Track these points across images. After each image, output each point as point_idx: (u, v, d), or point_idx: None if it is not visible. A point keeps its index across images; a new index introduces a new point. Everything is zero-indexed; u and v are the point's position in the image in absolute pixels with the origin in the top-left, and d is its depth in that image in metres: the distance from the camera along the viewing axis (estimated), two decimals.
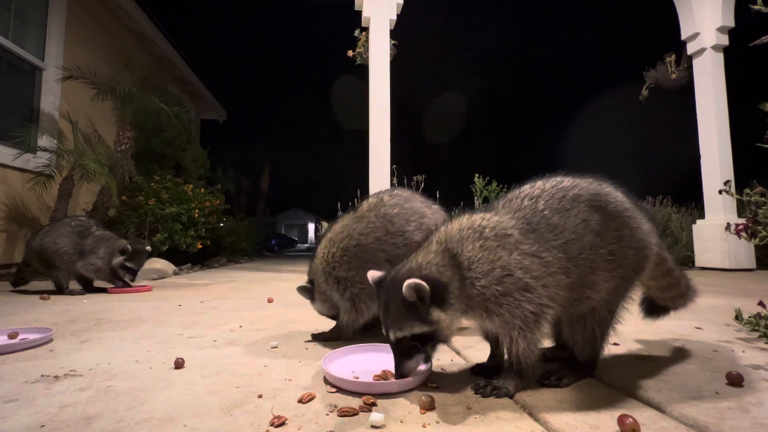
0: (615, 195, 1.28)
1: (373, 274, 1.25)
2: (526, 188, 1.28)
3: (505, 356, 1.22)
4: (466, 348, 1.65)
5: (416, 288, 1.07)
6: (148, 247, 3.85)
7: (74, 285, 3.62)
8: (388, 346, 1.55)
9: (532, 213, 1.20)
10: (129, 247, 3.51)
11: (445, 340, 1.19)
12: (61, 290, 3.46)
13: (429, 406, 1.05)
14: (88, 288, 3.63)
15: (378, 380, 1.24)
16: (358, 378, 1.25)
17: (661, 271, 1.43)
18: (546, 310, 1.13)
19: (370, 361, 1.43)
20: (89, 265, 3.47)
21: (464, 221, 1.21)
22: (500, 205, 1.26)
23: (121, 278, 3.57)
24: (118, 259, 3.50)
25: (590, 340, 1.25)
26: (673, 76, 6.59)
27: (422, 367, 1.29)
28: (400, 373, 1.16)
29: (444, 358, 1.52)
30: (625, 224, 1.23)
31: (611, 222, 1.21)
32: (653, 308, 1.60)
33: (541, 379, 1.22)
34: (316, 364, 1.45)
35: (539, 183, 1.28)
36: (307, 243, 41.54)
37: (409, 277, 1.10)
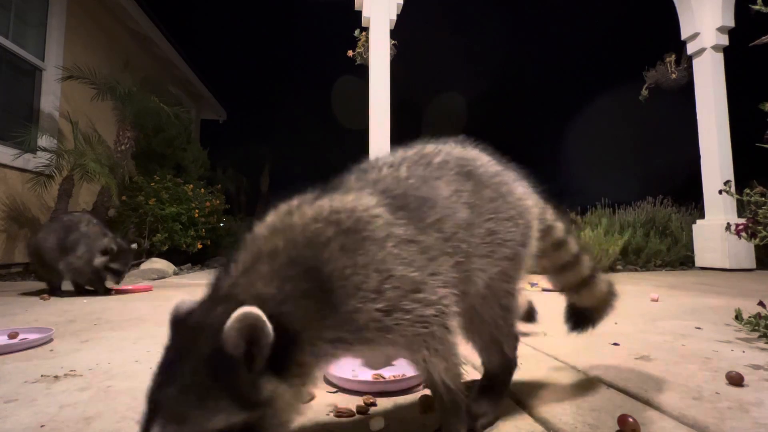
0: (482, 158, 1.07)
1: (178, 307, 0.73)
2: (384, 157, 1.01)
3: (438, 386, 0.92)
4: (466, 349, 1.65)
5: (252, 328, 0.62)
6: (134, 245, 3.55)
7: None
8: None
9: (396, 183, 0.92)
10: (113, 246, 3.14)
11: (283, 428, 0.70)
12: (52, 290, 3.30)
13: (429, 407, 1.05)
14: (79, 290, 3.33)
15: (377, 379, 1.25)
16: (357, 376, 1.26)
17: (552, 243, 1.19)
18: (447, 302, 0.86)
19: (369, 361, 1.43)
20: (68, 264, 3.15)
21: (306, 212, 0.81)
22: (352, 180, 0.94)
23: (103, 282, 3.22)
24: (100, 260, 3.12)
25: (494, 338, 1.02)
26: (673, 76, 6.58)
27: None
28: None
29: None
30: (498, 192, 1.02)
31: (484, 191, 0.99)
32: (573, 315, 1.31)
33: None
34: None
35: (399, 151, 1.03)
36: None
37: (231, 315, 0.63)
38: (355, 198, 0.85)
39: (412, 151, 1.01)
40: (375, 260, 0.79)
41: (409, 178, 0.93)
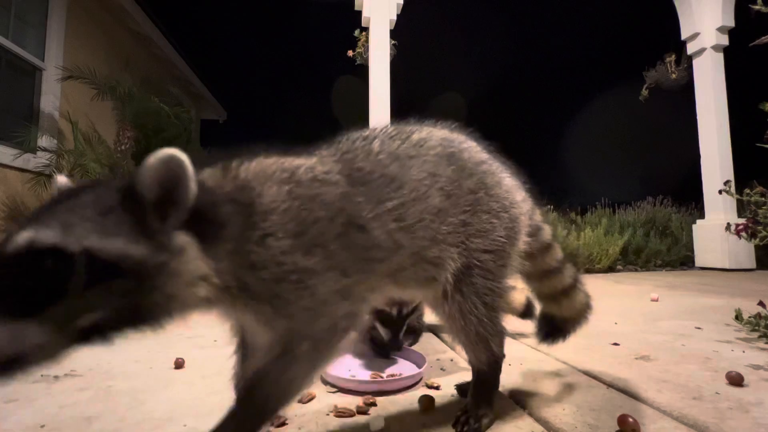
0: (468, 143, 1.01)
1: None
2: (365, 130, 0.96)
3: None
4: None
5: (175, 165, 0.58)
6: None
7: None
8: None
9: (365, 156, 0.86)
10: None
11: (167, 307, 0.63)
12: None
13: (429, 407, 1.05)
14: None
15: (375, 378, 1.25)
16: (355, 377, 1.26)
17: (538, 246, 1.12)
18: (356, 316, 0.79)
19: (368, 359, 1.44)
20: None
21: (272, 159, 0.80)
22: (323, 148, 0.90)
23: None
24: None
25: (480, 336, 0.96)
26: (673, 76, 6.59)
27: (418, 369, 1.29)
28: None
29: (444, 358, 1.52)
30: (481, 182, 0.95)
31: (465, 180, 0.93)
32: (546, 326, 1.24)
33: (458, 427, 0.93)
34: None
35: (381, 126, 0.98)
36: None
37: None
38: (319, 161, 0.83)
39: (392, 127, 0.96)
40: (320, 221, 0.74)
41: (380, 153, 0.87)
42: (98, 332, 0.57)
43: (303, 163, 0.80)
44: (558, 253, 1.16)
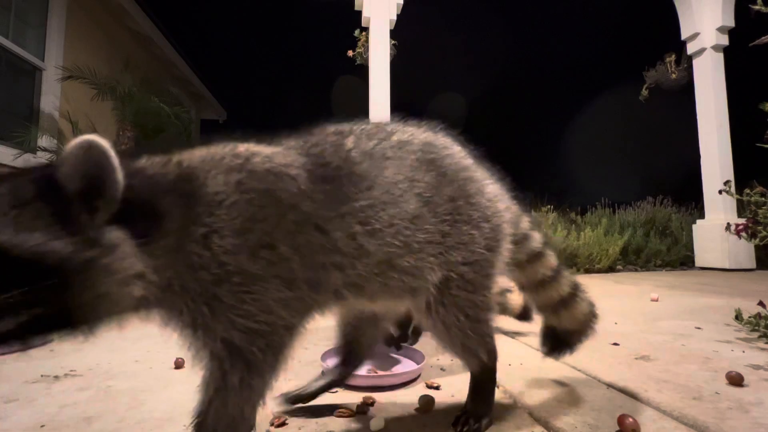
0: (452, 148, 0.95)
1: None
2: (343, 124, 0.89)
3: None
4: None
5: (97, 153, 0.54)
6: None
7: None
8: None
9: (334, 151, 0.80)
10: None
11: (97, 308, 0.58)
12: None
13: (429, 406, 1.05)
14: None
15: (372, 373, 1.26)
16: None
17: (527, 255, 1.07)
18: (297, 332, 0.73)
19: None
20: None
21: (225, 145, 0.75)
22: (290, 139, 0.84)
23: None
24: None
25: (466, 347, 0.94)
26: (673, 76, 6.59)
27: (418, 364, 1.30)
28: None
29: (444, 358, 1.52)
30: (463, 190, 0.91)
31: (445, 187, 0.88)
32: (550, 338, 1.19)
33: (458, 427, 0.92)
34: (316, 364, 1.45)
35: (361, 122, 0.91)
36: None
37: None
38: (278, 151, 0.75)
39: (372, 124, 0.90)
40: (256, 219, 0.67)
41: (353, 150, 0.81)
42: (18, 337, 0.52)
43: (260, 152, 0.73)
44: (551, 261, 1.10)
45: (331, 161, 0.78)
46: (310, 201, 0.72)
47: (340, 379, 1.12)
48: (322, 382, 1.09)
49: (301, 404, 1.05)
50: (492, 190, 0.98)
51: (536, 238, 1.08)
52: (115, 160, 0.54)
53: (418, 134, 0.92)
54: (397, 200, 0.81)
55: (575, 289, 1.12)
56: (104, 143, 0.54)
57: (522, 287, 1.16)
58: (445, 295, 0.89)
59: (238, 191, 0.67)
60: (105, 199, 0.55)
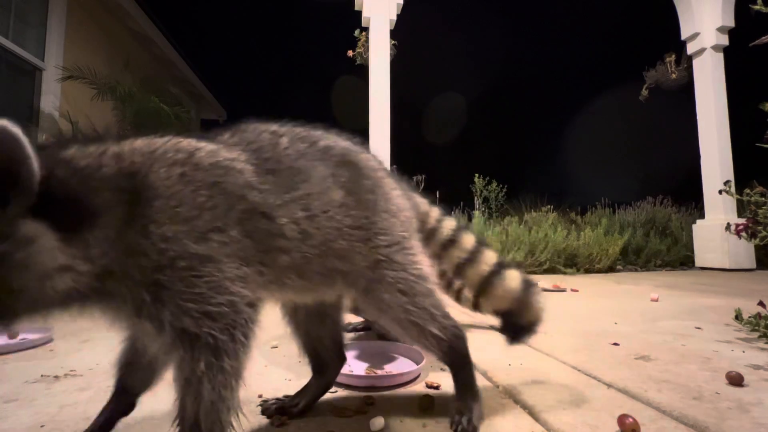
0: (367, 153, 1.07)
1: None
2: (267, 124, 0.96)
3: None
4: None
5: (7, 140, 0.53)
6: None
7: None
8: (382, 343, 1.59)
9: (272, 148, 0.87)
10: None
11: (13, 304, 0.57)
12: None
13: (429, 406, 1.05)
14: None
15: (369, 374, 1.26)
16: (352, 372, 1.29)
17: (440, 243, 1.14)
18: (259, 304, 0.76)
19: (366, 358, 1.46)
20: None
21: (165, 139, 0.77)
22: (225, 135, 0.88)
23: None
24: None
25: (417, 326, 0.96)
26: (673, 76, 6.59)
27: (418, 364, 1.30)
28: None
29: None
30: (378, 185, 1.01)
31: (365, 181, 0.98)
32: (503, 326, 1.17)
33: (454, 427, 0.94)
34: None
35: (285, 125, 0.98)
36: None
37: None
38: (221, 147, 0.80)
39: (299, 129, 0.98)
40: (216, 209, 0.70)
41: (288, 149, 0.89)
42: None
43: (204, 147, 0.77)
44: (467, 242, 1.14)
45: (271, 156, 0.85)
46: (257, 191, 0.79)
47: (325, 388, 1.12)
48: (308, 399, 1.07)
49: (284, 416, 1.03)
50: (399, 186, 1.09)
51: (447, 225, 1.15)
52: (29, 148, 0.52)
53: (340, 141, 1.02)
54: (327, 191, 0.90)
55: (500, 266, 1.13)
56: (15, 130, 0.52)
57: (448, 283, 1.22)
58: (378, 275, 0.96)
59: (181, 182, 0.69)
60: (18, 190, 0.53)
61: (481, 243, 1.16)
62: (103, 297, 0.66)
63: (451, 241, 1.14)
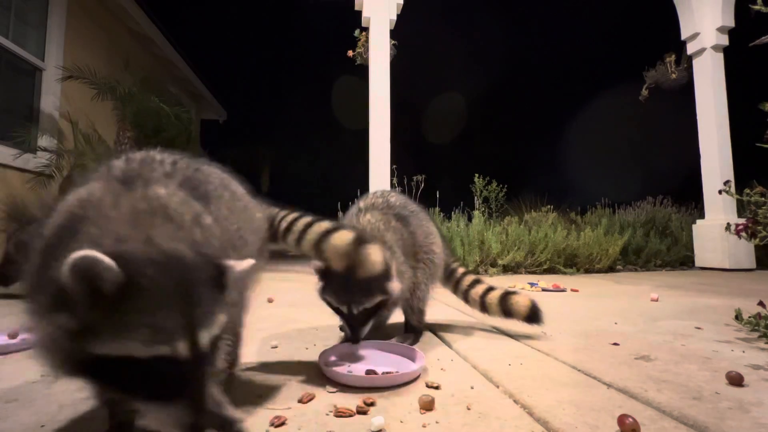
0: (222, 174, 1.17)
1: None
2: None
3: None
4: (466, 349, 1.65)
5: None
6: None
7: None
8: (381, 342, 1.60)
9: (201, 181, 1.04)
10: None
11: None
12: None
13: (429, 406, 1.05)
14: None
15: (370, 374, 1.26)
16: (351, 372, 1.29)
17: (281, 231, 1.40)
18: None
19: (365, 357, 1.47)
20: None
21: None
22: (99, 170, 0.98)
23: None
24: None
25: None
26: (673, 76, 6.59)
27: (417, 364, 1.31)
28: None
29: (444, 358, 1.52)
30: (241, 200, 1.17)
31: (237, 202, 1.14)
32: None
33: None
34: (315, 364, 1.45)
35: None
36: None
37: None
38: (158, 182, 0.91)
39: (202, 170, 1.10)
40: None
41: (209, 185, 1.04)
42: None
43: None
44: (288, 216, 1.40)
45: (200, 187, 0.99)
46: (208, 214, 0.94)
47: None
48: None
49: None
50: (252, 202, 1.27)
51: (286, 219, 1.39)
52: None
53: (218, 173, 1.15)
54: (233, 208, 1.09)
55: (308, 225, 1.36)
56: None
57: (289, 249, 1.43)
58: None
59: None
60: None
61: (300, 215, 1.41)
62: None
63: (289, 227, 1.39)
